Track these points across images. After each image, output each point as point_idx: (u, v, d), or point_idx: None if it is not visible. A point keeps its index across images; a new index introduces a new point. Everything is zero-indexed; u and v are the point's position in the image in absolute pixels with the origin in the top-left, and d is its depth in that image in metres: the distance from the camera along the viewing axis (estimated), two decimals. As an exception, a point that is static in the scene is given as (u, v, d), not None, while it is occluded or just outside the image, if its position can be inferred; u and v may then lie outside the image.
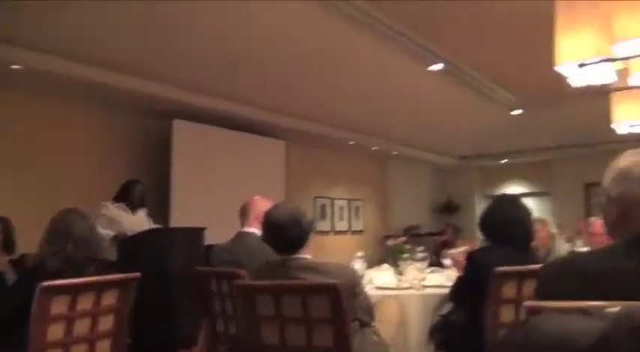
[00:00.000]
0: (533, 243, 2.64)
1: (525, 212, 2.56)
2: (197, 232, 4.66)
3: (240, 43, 4.69)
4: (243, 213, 3.28)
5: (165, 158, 5.96)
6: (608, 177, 1.23)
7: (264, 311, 2.09)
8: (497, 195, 2.76)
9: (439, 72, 5.68)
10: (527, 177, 10.93)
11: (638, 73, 3.69)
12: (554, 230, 3.89)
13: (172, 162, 5.98)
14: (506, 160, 10.73)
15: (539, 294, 1.07)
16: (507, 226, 2.42)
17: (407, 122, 7.92)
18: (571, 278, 1.04)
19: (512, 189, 11.15)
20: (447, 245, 6.20)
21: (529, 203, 10.57)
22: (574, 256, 1.28)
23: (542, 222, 3.66)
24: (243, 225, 3.24)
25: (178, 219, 5.77)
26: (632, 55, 2.88)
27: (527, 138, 9.21)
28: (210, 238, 4.63)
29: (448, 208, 11.16)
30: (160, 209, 5.70)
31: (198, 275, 2.99)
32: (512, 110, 7.68)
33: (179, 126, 6.06)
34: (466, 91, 6.45)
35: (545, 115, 7.72)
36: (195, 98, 5.69)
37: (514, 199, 2.68)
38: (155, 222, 5.02)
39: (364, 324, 2.26)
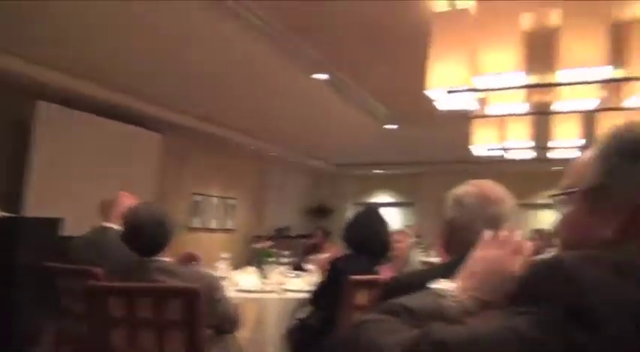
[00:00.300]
0: (392, 253, 2.80)
1: (384, 224, 2.71)
2: (52, 223, 4.31)
3: (117, 28, 4.42)
4: (107, 208, 3.11)
5: (25, 141, 5.45)
6: (447, 201, 1.37)
7: (115, 312, 1.99)
8: (361, 208, 2.89)
9: (323, 81, 5.82)
10: (397, 187, 11.60)
11: (494, 103, 4.09)
12: (412, 240, 4.15)
13: (33, 145, 5.49)
14: (379, 170, 11.30)
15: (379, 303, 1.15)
16: (367, 238, 2.55)
17: (287, 125, 8.01)
18: (405, 290, 1.11)
19: (381, 197, 11.77)
20: (316, 247, 6.35)
21: (395, 212, 11.15)
22: (421, 270, 1.39)
23: (402, 233, 3.89)
24: (105, 219, 3.06)
25: (34, 207, 5.29)
26: (492, 87, 3.18)
27: (400, 152, 9.78)
28: (68, 230, 4.32)
29: (320, 212, 11.47)
30: (12, 195, 5.20)
31: (48, 270, 2.77)
32: (386, 124, 8.09)
33: (43, 108, 5.58)
34: (346, 102, 6.67)
35: (417, 132, 8.23)
36: (62, 80, 5.27)
37: (374, 212, 2.83)
38: (4, 208, 4.56)
39: (223, 331, 2.23)
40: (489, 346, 0.57)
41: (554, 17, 3.32)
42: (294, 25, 4.47)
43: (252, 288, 3.28)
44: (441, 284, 0.79)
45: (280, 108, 7.08)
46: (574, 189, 0.75)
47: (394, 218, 10.62)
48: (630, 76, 3.56)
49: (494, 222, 1.24)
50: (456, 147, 6.70)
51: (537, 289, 0.59)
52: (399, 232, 3.88)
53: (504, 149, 5.53)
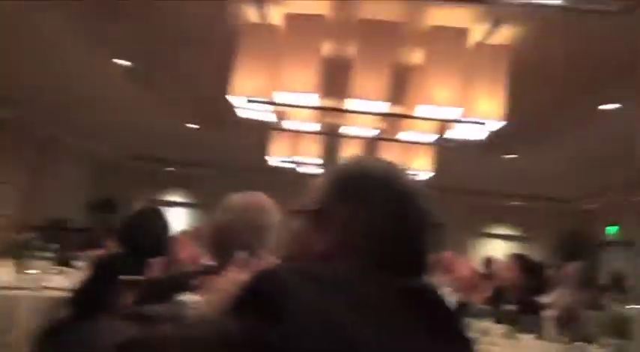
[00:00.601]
0: (172, 255, 2.73)
1: (161, 224, 2.63)
2: None
3: None
4: None
5: None
6: (219, 207, 1.43)
7: None
8: (143, 206, 2.77)
9: (126, 68, 5.47)
10: (189, 188, 11.37)
11: (291, 119, 4.31)
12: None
13: None
14: (172, 168, 10.99)
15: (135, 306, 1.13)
16: (140, 237, 2.45)
17: (80, 109, 7.34)
18: (160, 295, 1.13)
19: (173, 197, 11.49)
20: (92, 243, 5.88)
21: (184, 213, 10.88)
22: (180, 274, 1.40)
23: (187, 235, 3.83)
24: None
25: None
26: (288, 103, 3.35)
27: (200, 152, 9.63)
28: None
29: (106, 206, 10.69)
30: None
31: None
32: (189, 123, 7.94)
33: None
34: (148, 95, 6.38)
35: (218, 135, 8.21)
36: None
37: (153, 211, 2.74)
38: None
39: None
40: (194, 344, 0.62)
41: (351, 50, 3.64)
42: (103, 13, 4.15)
43: (2, 284, 2.89)
44: (186, 297, 0.84)
45: (75, 90, 6.47)
46: (304, 208, 0.85)
47: (181, 219, 10.42)
48: (406, 113, 4.07)
49: (259, 230, 1.33)
50: (254, 155, 6.87)
51: (248, 294, 0.66)
52: (183, 234, 3.82)
53: (296, 163, 5.86)
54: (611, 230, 10.38)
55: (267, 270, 0.67)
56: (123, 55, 5.12)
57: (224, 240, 1.37)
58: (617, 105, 5.17)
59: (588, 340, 1.94)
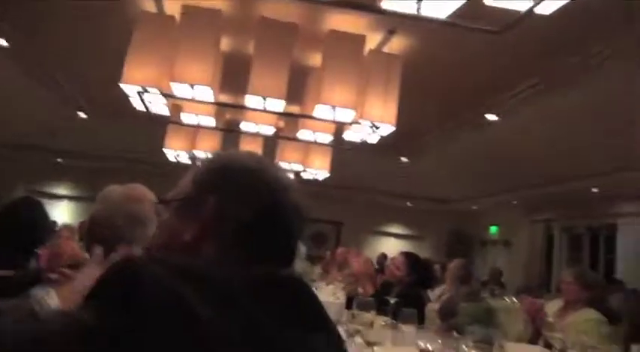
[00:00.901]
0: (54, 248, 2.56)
1: (40, 217, 2.47)
2: None
3: None
4: None
5: None
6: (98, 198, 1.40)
7: None
8: (17, 198, 2.57)
9: (5, 49, 5.04)
10: (77, 180, 10.68)
11: (188, 113, 4.22)
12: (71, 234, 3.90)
13: None
14: (60, 159, 10.30)
15: None
16: (11, 228, 2.28)
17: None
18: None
19: (60, 189, 10.79)
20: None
21: (72, 207, 10.17)
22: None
23: (69, 229, 3.63)
24: None
25: None
26: (183, 96, 3.28)
27: (89, 143, 9.08)
28: None
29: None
30: None
31: None
32: (79, 111, 7.49)
33: None
34: (32, 79, 5.93)
35: (112, 124, 7.80)
36: None
37: (31, 203, 2.56)
38: None
39: None
40: (46, 338, 0.60)
41: (250, 47, 3.64)
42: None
43: None
44: (37, 292, 0.81)
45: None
46: (173, 198, 0.85)
47: (68, 213, 9.81)
48: (303, 113, 4.15)
49: (133, 219, 1.31)
50: (149, 148, 6.63)
51: (101, 285, 0.66)
52: (67, 228, 3.62)
53: (193, 158, 5.74)
54: (493, 230, 11.24)
55: (121, 261, 0.67)
56: (2, 34, 4.73)
57: (98, 229, 1.33)
58: (496, 118, 5.62)
59: (460, 330, 2.10)
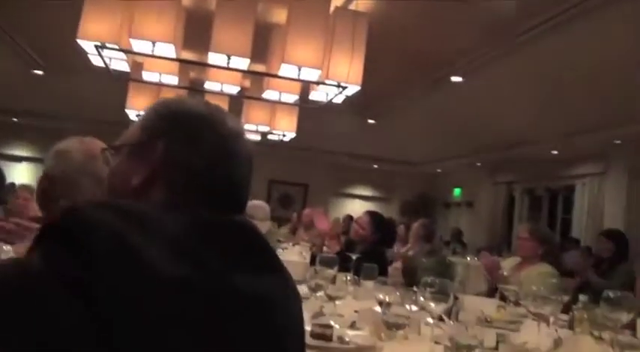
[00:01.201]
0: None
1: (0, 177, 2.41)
2: None
3: None
4: None
5: None
6: (50, 156, 1.34)
7: None
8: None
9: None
10: (34, 140, 10.31)
11: (149, 71, 4.11)
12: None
13: None
14: (15, 119, 9.94)
15: None
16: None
17: None
18: None
19: (16, 150, 10.48)
20: None
21: (29, 167, 9.87)
22: None
23: (27, 190, 3.54)
24: None
25: None
26: (143, 53, 3.18)
27: (49, 101, 8.76)
28: None
29: None
30: None
31: None
32: (35, 70, 7.21)
33: None
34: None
35: (71, 82, 7.52)
36: None
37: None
38: None
39: None
40: None
41: (213, 2, 3.53)
42: None
43: None
44: None
45: None
46: (122, 144, 0.85)
47: (27, 174, 9.55)
48: (268, 72, 4.09)
49: (99, 179, 1.27)
50: (110, 107, 6.45)
51: (49, 229, 0.66)
52: (23, 189, 3.53)
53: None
54: (456, 191, 11.49)
55: (67, 207, 0.67)
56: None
57: (60, 190, 1.29)
58: (460, 79, 5.67)
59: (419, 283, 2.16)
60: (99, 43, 3.15)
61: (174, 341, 0.62)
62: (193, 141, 0.79)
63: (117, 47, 3.17)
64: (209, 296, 0.66)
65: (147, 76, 4.18)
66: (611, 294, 1.68)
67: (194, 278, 0.65)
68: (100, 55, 3.31)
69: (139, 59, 4.04)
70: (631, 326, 1.97)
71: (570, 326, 2.08)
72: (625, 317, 1.65)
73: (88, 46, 3.25)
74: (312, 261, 3.03)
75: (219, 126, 0.81)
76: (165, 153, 0.78)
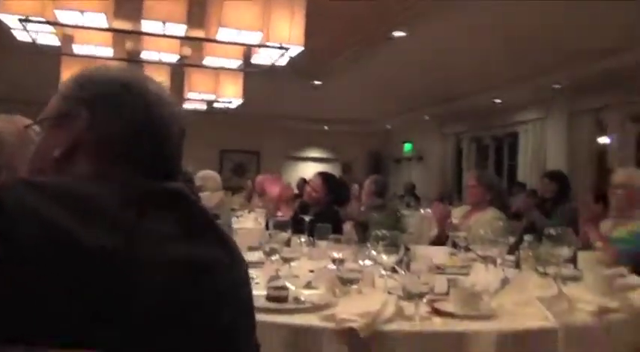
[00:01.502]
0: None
1: None
2: None
3: None
4: None
5: None
6: None
7: None
8: None
9: None
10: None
11: (80, 43, 3.92)
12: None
13: None
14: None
15: None
16: None
17: None
18: None
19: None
20: None
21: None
22: None
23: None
24: None
25: None
26: (70, 24, 3.02)
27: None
28: None
29: None
30: None
31: None
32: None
33: None
34: None
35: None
36: None
37: None
38: None
39: None
40: None
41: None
42: None
43: None
44: None
45: None
46: (45, 117, 0.82)
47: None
48: (207, 37, 3.96)
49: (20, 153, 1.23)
50: (42, 86, 6.13)
51: None
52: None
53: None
54: (407, 147, 11.69)
55: None
56: None
57: None
58: (404, 34, 5.68)
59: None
60: (22, 17, 2.97)
61: (98, 311, 0.61)
62: (116, 109, 0.76)
63: (43, 20, 3.00)
64: (139, 266, 0.64)
65: (78, 49, 3.98)
66: (552, 231, 1.76)
67: (128, 252, 0.64)
68: (25, 29, 3.13)
69: (69, 31, 3.83)
70: (573, 260, 2.08)
71: (517, 265, 2.18)
72: (566, 251, 1.74)
73: (11, 20, 3.07)
74: (267, 227, 3.04)
75: (143, 93, 0.78)
76: (89, 123, 0.76)
